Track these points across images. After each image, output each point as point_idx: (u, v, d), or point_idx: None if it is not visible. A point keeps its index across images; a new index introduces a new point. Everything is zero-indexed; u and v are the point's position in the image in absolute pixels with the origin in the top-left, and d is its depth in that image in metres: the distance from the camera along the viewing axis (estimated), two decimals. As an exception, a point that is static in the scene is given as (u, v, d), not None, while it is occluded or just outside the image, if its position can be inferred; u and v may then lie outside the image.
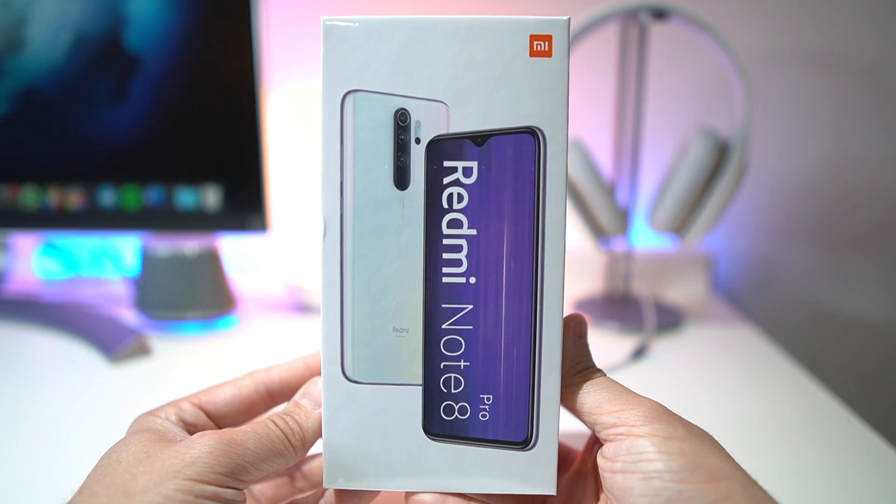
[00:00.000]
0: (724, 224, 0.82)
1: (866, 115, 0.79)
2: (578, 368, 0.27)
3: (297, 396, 0.28)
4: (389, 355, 0.26)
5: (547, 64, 0.25)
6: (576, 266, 0.77)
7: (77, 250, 0.80)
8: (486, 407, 0.26)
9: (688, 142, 0.63)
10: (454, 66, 0.25)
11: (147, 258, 0.62)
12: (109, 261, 0.79)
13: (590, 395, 0.26)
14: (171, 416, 0.27)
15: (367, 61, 0.25)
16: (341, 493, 0.28)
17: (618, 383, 0.26)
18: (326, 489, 0.28)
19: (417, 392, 0.26)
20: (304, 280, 0.68)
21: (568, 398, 0.26)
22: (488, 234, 0.25)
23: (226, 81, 0.63)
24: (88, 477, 0.24)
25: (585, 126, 0.78)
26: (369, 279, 0.25)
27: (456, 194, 0.25)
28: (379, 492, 0.30)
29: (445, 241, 0.25)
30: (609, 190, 0.64)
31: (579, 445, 0.30)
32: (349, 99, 0.25)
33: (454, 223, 0.25)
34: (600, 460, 0.24)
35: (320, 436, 0.27)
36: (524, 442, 0.26)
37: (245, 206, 0.65)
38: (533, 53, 0.24)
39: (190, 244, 0.62)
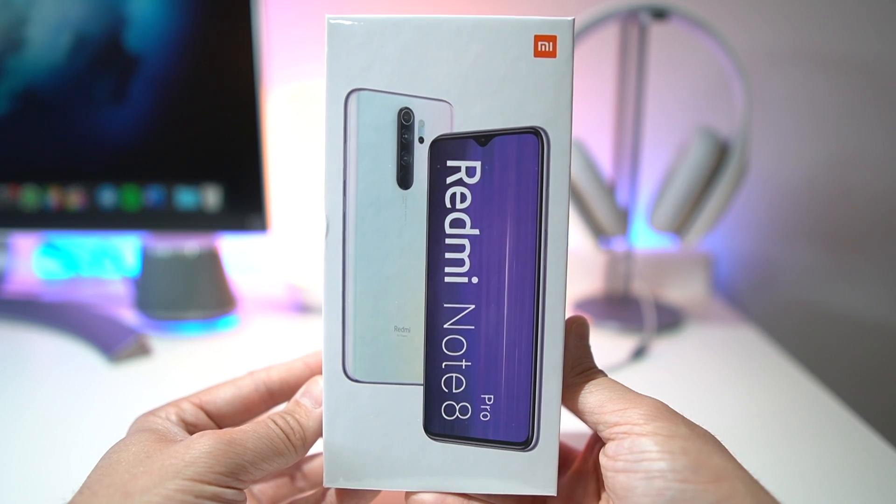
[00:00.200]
0: (724, 224, 0.82)
1: (866, 115, 0.79)
2: (580, 369, 0.27)
3: (297, 395, 0.28)
4: (391, 355, 0.26)
5: (551, 64, 0.25)
6: (576, 266, 0.77)
7: (77, 250, 0.80)
8: (488, 407, 0.26)
9: (688, 142, 0.63)
10: (458, 66, 0.25)
11: (147, 258, 0.62)
12: (109, 261, 0.79)
13: (592, 394, 0.26)
14: (172, 416, 0.27)
15: (371, 60, 0.25)
16: (342, 493, 0.28)
17: (619, 383, 0.26)
18: (328, 489, 0.28)
19: (419, 392, 0.26)
20: (304, 280, 0.68)
21: (570, 398, 0.26)
22: (491, 234, 0.25)
23: (226, 81, 0.63)
24: (89, 477, 0.24)
25: (585, 126, 0.78)
26: (371, 278, 0.25)
27: (459, 194, 0.25)
28: (379, 491, 0.30)
29: (448, 241, 0.25)
30: (609, 190, 0.64)
31: (580, 445, 0.30)
32: (353, 98, 0.25)
33: (457, 223, 0.25)
34: (602, 459, 0.24)
35: (321, 435, 0.27)
36: (525, 442, 0.26)
37: (245, 206, 0.65)
38: (537, 54, 0.24)
39: (190, 244, 0.62)
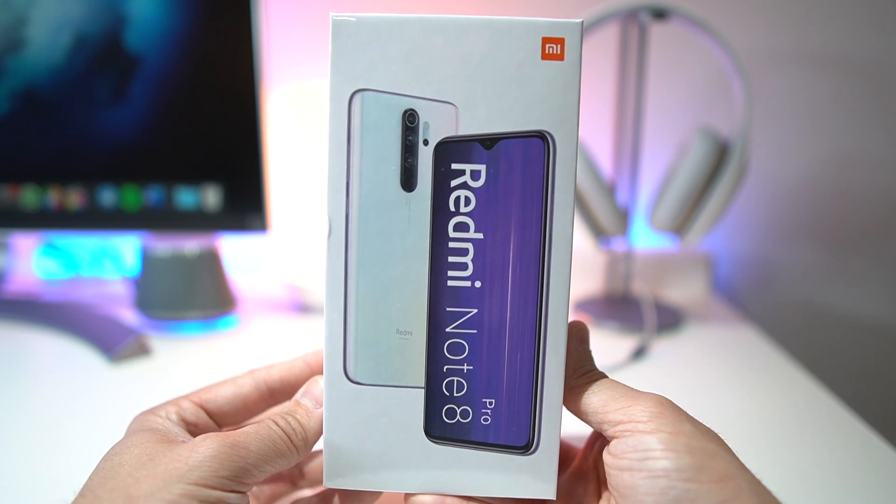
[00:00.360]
0: (724, 224, 0.82)
1: (866, 115, 0.79)
2: (582, 371, 0.27)
3: (297, 395, 0.28)
4: (392, 357, 0.26)
5: (558, 67, 0.24)
6: (576, 266, 0.77)
7: (77, 250, 0.80)
8: (489, 411, 0.26)
9: (688, 142, 0.63)
10: (464, 67, 0.24)
11: (147, 258, 0.62)
12: (109, 261, 0.79)
13: (595, 395, 0.25)
14: (172, 416, 0.27)
15: (376, 60, 0.24)
16: (343, 494, 0.28)
17: (622, 383, 0.26)
18: (332, 492, 0.28)
19: (420, 395, 0.26)
20: (304, 280, 0.68)
21: (572, 400, 0.26)
22: (495, 239, 0.25)
23: (226, 81, 0.63)
24: (90, 480, 0.23)
25: (585, 126, 0.78)
26: (373, 280, 0.25)
27: (463, 197, 0.25)
28: (380, 493, 0.30)
29: (451, 245, 0.25)
30: (609, 190, 0.64)
31: (579, 446, 0.30)
32: (357, 98, 0.24)
33: (461, 226, 0.25)
34: (606, 457, 0.24)
35: (321, 435, 0.27)
36: (525, 447, 0.26)
37: (245, 206, 0.65)
38: (545, 56, 0.24)
39: (190, 244, 0.62)
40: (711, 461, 0.22)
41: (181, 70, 0.63)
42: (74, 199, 0.66)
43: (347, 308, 0.25)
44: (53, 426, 0.43)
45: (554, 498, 0.26)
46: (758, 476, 0.23)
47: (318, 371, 0.30)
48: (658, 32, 0.73)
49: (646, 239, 0.79)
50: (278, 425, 0.26)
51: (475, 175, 0.25)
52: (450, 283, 0.25)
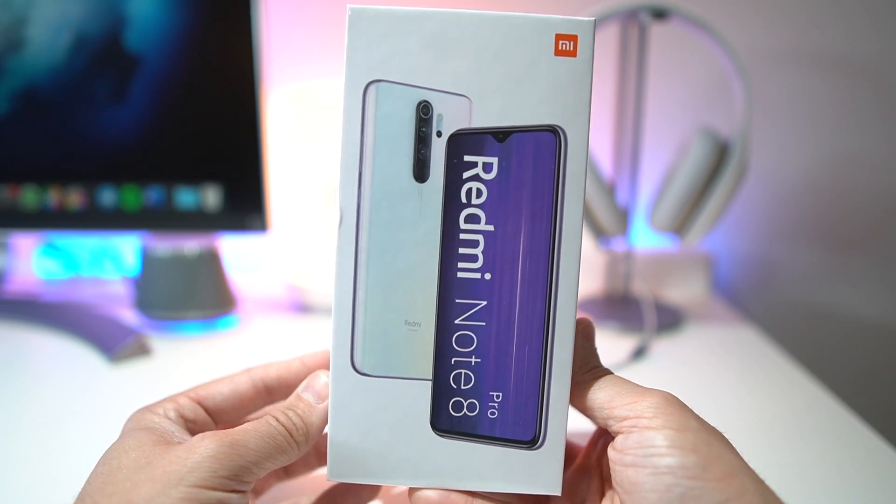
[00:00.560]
0: (724, 224, 0.82)
1: (866, 115, 0.79)
2: (588, 368, 0.27)
3: (299, 390, 0.28)
4: (400, 349, 0.26)
5: (571, 63, 0.25)
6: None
7: (77, 250, 0.80)
8: (496, 404, 0.26)
9: (688, 142, 0.63)
10: (478, 61, 0.24)
11: (147, 258, 0.62)
12: (109, 261, 0.79)
13: (602, 391, 0.25)
14: (171, 413, 0.27)
15: (391, 52, 0.24)
16: (342, 489, 0.28)
17: (627, 380, 0.26)
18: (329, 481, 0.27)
19: (427, 387, 0.26)
20: (304, 280, 0.68)
21: (578, 396, 0.26)
22: (505, 231, 0.25)
23: (226, 81, 0.63)
24: (89, 484, 0.23)
25: (585, 126, 0.78)
26: (383, 271, 0.25)
27: (475, 189, 0.25)
28: (379, 488, 0.30)
29: (462, 236, 0.25)
30: (609, 190, 0.64)
31: (583, 443, 0.30)
32: (372, 89, 0.25)
33: (472, 218, 0.25)
34: (611, 453, 0.24)
35: (323, 430, 0.26)
36: (531, 441, 0.26)
37: (245, 206, 0.65)
38: (558, 52, 0.24)
39: (190, 244, 0.62)
40: (716, 459, 0.22)
41: (181, 70, 0.63)
42: (74, 199, 0.66)
43: (356, 298, 0.25)
44: (53, 426, 0.43)
45: (559, 494, 0.26)
46: (759, 476, 0.23)
47: (315, 370, 0.30)
48: (658, 32, 0.73)
49: (646, 239, 0.79)
50: (278, 421, 0.26)
51: (487, 167, 0.25)
52: (460, 274, 0.25)
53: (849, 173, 0.80)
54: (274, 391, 0.30)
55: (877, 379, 0.84)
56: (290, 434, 0.25)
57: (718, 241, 0.83)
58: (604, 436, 0.28)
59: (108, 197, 0.66)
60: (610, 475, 0.25)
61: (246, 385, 0.29)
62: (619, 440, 0.24)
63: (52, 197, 0.66)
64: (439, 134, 0.25)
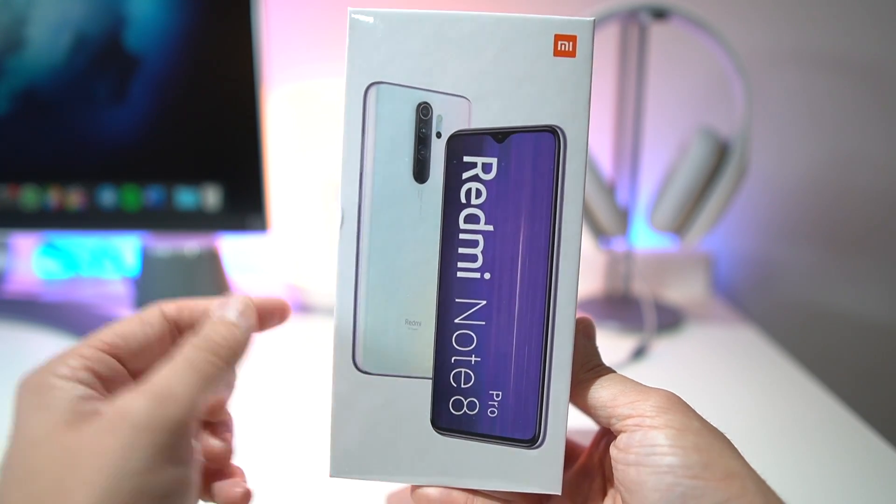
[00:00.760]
0: (724, 224, 0.82)
1: (866, 115, 0.79)
2: (590, 366, 0.27)
3: (213, 309, 0.25)
4: (401, 347, 0.26)
5: (570, 64, 0.25)
6: (576, 266, 0.77)
7: (77, 250, 0.80)
8: (495, 403, 0.26)
9: (688, 142, 0.63)
10: (478, 63, 0.25)
11: (147, 258, 0.62)
12: (109, 261, 0.79)
13: (604, 389, 0.25)
14: (80, 373, 0.22)
15: (391, 54, 0.25)
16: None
17: (630, 378, 0.26)
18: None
19: (427, 385, 0.26)
20: (304, 280, 0.68)
21: (580, 394, 0.26)
22: (505, 231, 0.25)
23: (226, 81, 0.63)
24: (3, 496, 0.19)
25: (585, 126, 0.78)
26: (384, 271, 0.26)
27: (474, 190, 0.25)
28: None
29: (462, 236, 0.25)
30: (609, 190, 0.64)
31: (586, 443, 0.30)
32: (372, 91, 0.25)
33: (471, 218, 0.25)
34: (613, 451, 0.24)
35: (247, 344, 0.25)
36: (531, 440, 0.26)
37: (245, 206, 0.65)
38: (557, 53, 0.25)
39: (190, 244, 0.62)
40: (718, 459, 0.22)
41: (181, 70, 0.63)
42: (74, 199, 0.66)
43: (357, 297, 0.26)
44: (53, 426, 0.43)
45: (559, 493, 0.26)
46: (760, 476, 0.23)
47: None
48: (658, 32, 0.73)
49: (646, 239, 0.79)
50: (197, 348, 0.23)
51: (487, 168, 0.25)
52: (459, 274, 0.25)
53: (849, 173, 0.80)
54: (184, 329, 0.27)
55: (877, 379, 0.84)
56: (216, 355, 0.23)
57: (718, 241, 0.83)
58: (606, 436, 0.28)
59: (108, 197, 0.66)
60: (612, 475, 0.25)
61: (159, 321, 0.26)
62: (621, 439, 0.24)
63: (52, 197, 0.66)
64: (439, 135, 0.25)
